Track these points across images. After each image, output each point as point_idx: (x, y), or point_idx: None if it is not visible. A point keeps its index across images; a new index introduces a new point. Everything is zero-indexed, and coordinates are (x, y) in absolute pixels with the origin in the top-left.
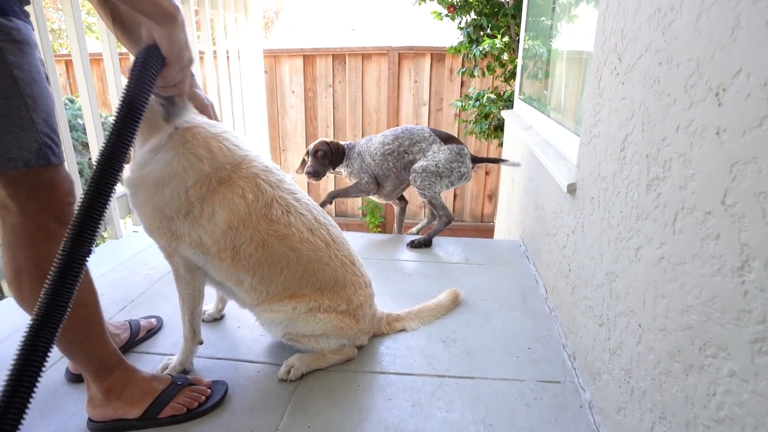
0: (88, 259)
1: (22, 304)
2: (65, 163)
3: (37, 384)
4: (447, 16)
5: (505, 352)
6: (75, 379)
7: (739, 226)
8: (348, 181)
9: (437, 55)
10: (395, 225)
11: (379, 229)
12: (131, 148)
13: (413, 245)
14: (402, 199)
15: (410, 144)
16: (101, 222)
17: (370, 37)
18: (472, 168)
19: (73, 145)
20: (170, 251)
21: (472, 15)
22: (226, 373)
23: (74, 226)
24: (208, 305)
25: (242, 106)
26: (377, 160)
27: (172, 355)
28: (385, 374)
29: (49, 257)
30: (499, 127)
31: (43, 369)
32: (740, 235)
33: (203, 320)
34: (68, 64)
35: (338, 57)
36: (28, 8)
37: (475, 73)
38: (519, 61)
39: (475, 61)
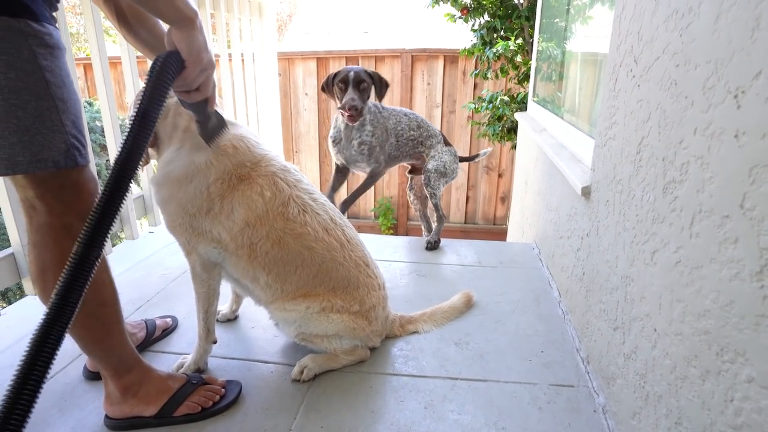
0: (97, 262)
1: (46, 301)
2: (91, 165)
3: (45, 378)
4: (460, 18)
5: (518, 356)
6: (93, 376)
7: (758, 230)
8: (355, 150)
9: (450, 57)
10: (424, 225)
11: (392, 231)
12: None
13: (432, 247)
14: (424, 197)
15: (427, 136)
16: (113, 226)
17: (383, 39)
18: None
19: (92, 148)
20: (189, 249)
21: (486, 17)
22: (240, 373)
23: (87, 230)
24: (223, 305)
25: (256, 108)
26: (400, 141)
27: (187, 354)
28: (397, 376)
29: None
30: (512, 130)
31: (54, 359)
32: (759, 239)
33: (217, 320)
34: (86, 67)
35: (351, 59)
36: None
37: (489, 75)
38: (533, 63)
39: (489, 63)
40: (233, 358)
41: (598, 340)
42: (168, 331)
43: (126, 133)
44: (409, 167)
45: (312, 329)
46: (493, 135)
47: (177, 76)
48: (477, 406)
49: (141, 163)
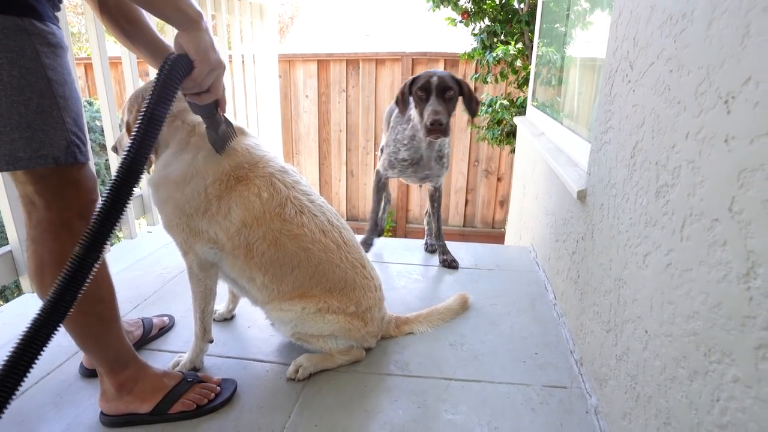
0: (98, 263)
1: (44, 297)
2: (90, 162)
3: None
4: (461, 22)
5: (513, 357)
6: (89, 374)
7: (745, 233)
8: (436, 163)
9: (450, 61)
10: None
11: (391, 234)
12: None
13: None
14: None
15: None
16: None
17: (384, 42)
18: None
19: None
20: (186, 248)
21: (486, 21)
22: (235, 372)
23: (91, 229)
24: (219, 305)
25: (256, 110)
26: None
27: (183, 352)
28: (392, 376)
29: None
30: (511, 134)
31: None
32: (746, 242)
33: (214, 319)
34: (87, 67)
35: (352, 62)
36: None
37: (488, 80)
38: (532, 68)
39: (489, 68)
40: (229, 357)
41: (591, 342)
42: (165, 329)
43: (133, 134)
44: None
45: (308, 329)
46: (492, 139)
47: (185, 77)
48: (470, 407)
49: (146, 165)
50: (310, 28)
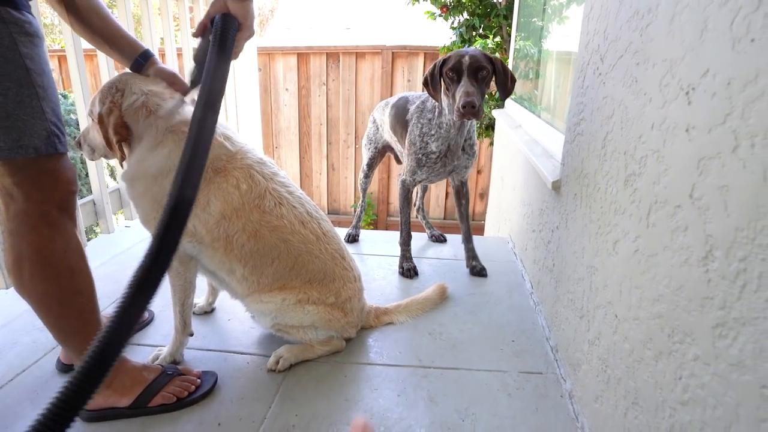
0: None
1: (22, 290)
2: (68, 154)
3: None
4: (440, 16)
5: (490, 345)
6: (66, 369)
7: (704, 218)
8: (466, 153)
9: (430, 55)
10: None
11: (371, 227)
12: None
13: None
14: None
15: None
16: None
17: (365, 35)
18: None
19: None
20: None
21: (465, 15)
22: (216, 364)
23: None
24: (200, 298)
25: (236, 104)
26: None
27: (163, 346)
28: (372, 365)
29: (50, 244)
30: (490, 126)
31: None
32: (705, 226)
33: (194, 313)
34: (61, 59)
35: (332, 55)
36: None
37: None
38: (510, 62)
39: None
40: (209, 350)
41: (565, 329)
42: (144, 323)
43: (202, 87)
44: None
45: (288, 320)
46: None
47: (236, 36)
48: (448, 393)
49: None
50: (290, 21)
